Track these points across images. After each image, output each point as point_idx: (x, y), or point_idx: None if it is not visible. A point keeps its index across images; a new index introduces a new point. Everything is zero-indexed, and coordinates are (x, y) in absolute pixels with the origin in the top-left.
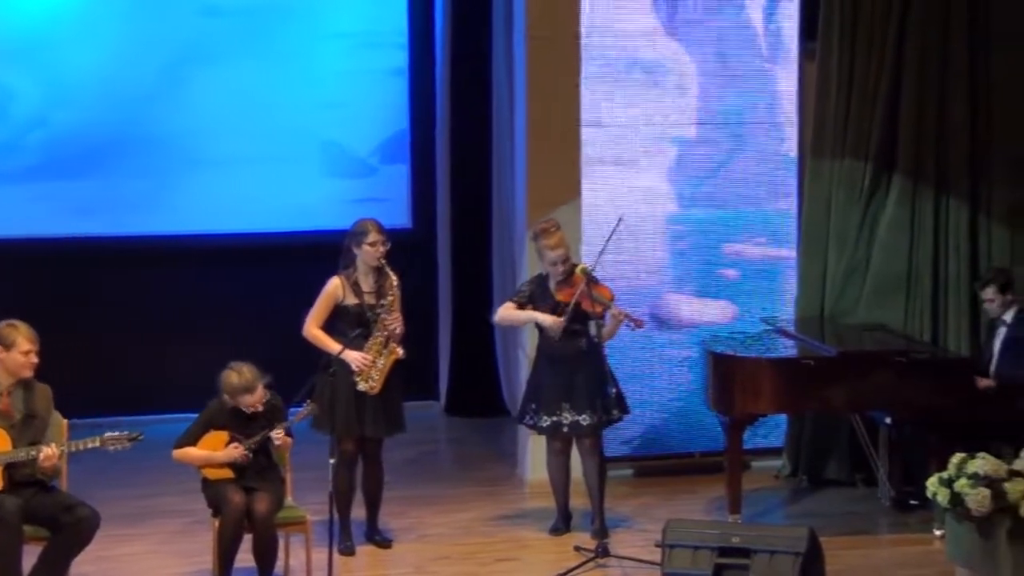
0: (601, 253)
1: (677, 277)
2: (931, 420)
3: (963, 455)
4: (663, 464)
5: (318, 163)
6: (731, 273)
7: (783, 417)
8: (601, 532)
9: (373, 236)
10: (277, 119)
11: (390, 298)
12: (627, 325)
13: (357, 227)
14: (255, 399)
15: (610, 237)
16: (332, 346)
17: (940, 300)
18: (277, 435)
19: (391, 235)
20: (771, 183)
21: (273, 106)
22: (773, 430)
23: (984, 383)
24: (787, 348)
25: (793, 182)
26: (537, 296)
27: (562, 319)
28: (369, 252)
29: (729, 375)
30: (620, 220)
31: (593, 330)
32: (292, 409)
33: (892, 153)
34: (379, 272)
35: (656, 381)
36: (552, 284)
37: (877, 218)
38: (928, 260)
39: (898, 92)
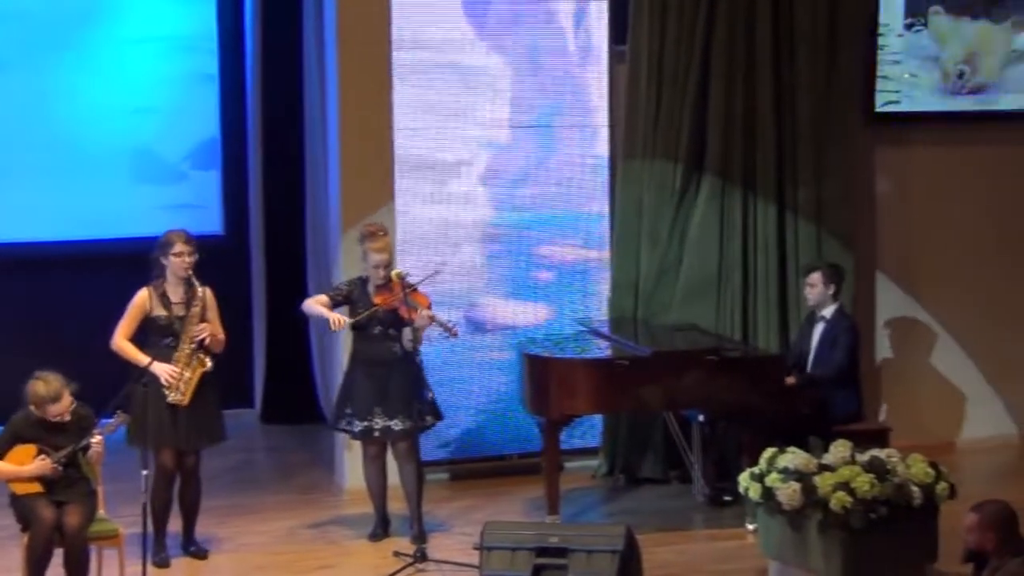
0: (420, 283)
1: (492, 280)
2: (743, 417)
3: (774, 450)
4: (480, 467)
5: (128, 170)
6: (546, 275)
7: (599, 417)
8: (419, 537)
9: (179, 247)
10: (86, 125)
11: (195, 309)
12: (442, 333)
13: (164, 238)
14: (62, 408)
15: (425, 279)
16: (140, 358)
17: (750, 298)
18: (95, 440)
19: (203, 242)
20: (584, 185)
21: (81, 112)
22: (589, 430)
23: (791, 380)
24: (601, 349)
25: (605, 184)
26: (355, 297)
27: (345, 321)
28: (176, 263)
29: (545, 377)
30: (437, 271)
31: (408, 336)
32: (103, 420)
33: (701, 153)
34: (188, 283)
35: (472, 384)
36: (371, 287)
37: (688, 218)
38: (737, 259)
39: (706, 92)
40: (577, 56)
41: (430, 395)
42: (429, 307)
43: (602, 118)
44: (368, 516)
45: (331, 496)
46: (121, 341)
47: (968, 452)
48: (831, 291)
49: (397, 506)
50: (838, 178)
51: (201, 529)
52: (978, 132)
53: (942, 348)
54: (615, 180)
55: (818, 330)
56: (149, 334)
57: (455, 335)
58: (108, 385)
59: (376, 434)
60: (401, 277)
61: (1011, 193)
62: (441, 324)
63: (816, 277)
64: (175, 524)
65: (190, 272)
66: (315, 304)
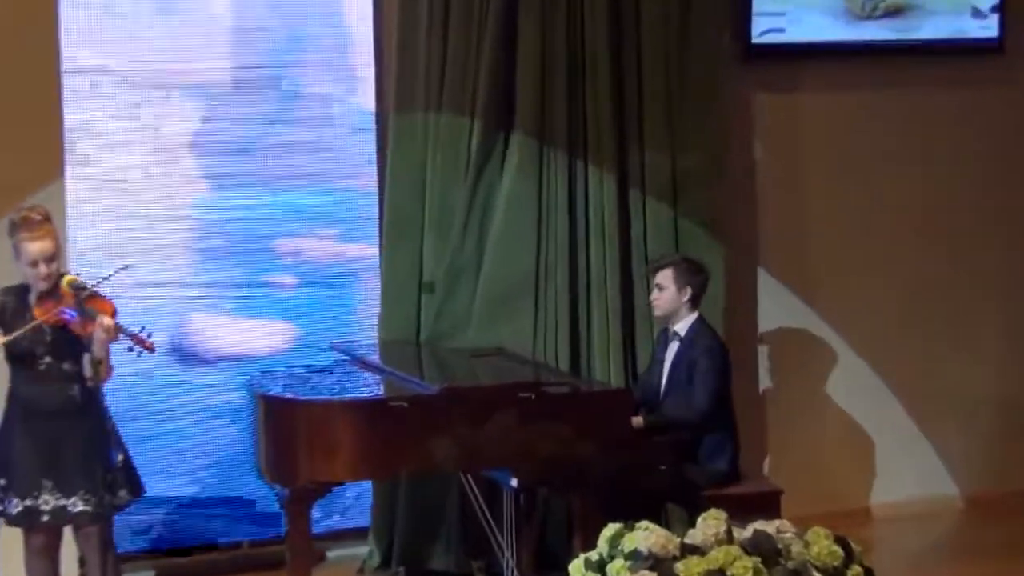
0: (98, 284)
1: (208, 289)
2: (573, 478)
3: (617, 526)
4: (199, 561)
5: None
6: (287, 281)
7: (368, 486)
8: None
9: None
10: None
11: None
12: (131, 349)
13: None
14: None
15: (105, 278)
16: None
17: (581, 309)
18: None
19: None
20: (342, 151)
21: None
22: (355, 505)
23: (638, 421)
24: (369, 385)
25: (373, 150)
26: (11, 311)
27: None
28: None
29: (288, 428)
30: (126, 266)
31: (88, 370)
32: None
33: (508, 105)
34: None
35: (183, 440)
36: (33, 298)
37: (491, 197)
38: (563, 253)
39: (513, 24)
40: None
41: (122, 457)
42: (114, 314)
43: (366, 55)
44: None
45: None
46: None
47: (889, 521)
48: (686, 297)
49: None
50: (702, 139)
51: None
52: (894, 71)
53: (850, 375)
54: (384, 143)
55: (671, 353)
56: None
57: (151, 349)
58: None
59: (45, 518)
60: (75, 285)
61: (941, 154)
62: (130, 336)
63: (666, 276)
64: None
65: None
66: None
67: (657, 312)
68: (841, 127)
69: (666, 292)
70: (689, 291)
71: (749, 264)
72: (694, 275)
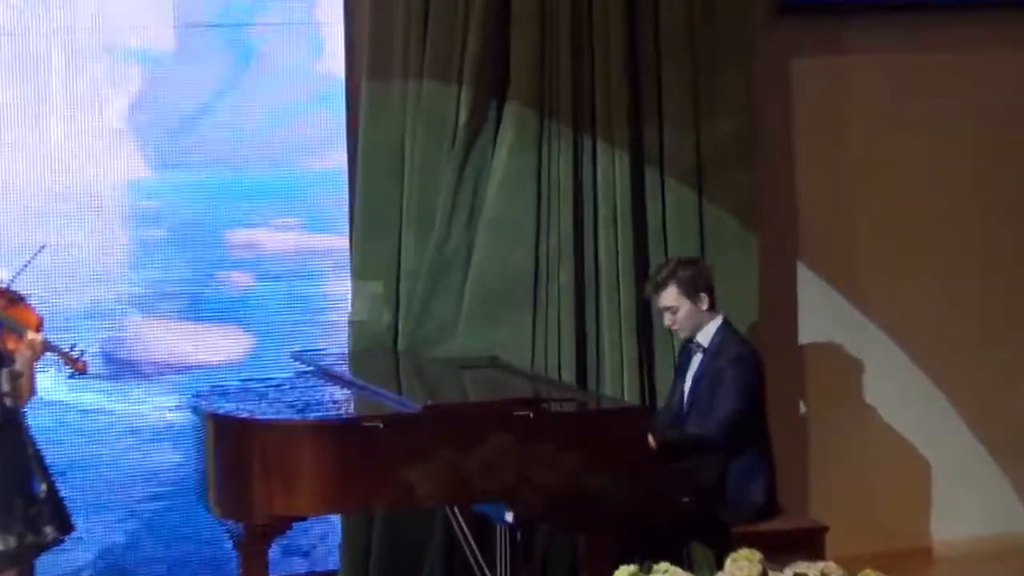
0: (16, 276)
1: (148, 288)
2: (579, 513)
3: (632, 568)
4: None
5: None
6: (241, 278)
7: (336, 522)
8: None
9: None
10: None
11: None
12: (62, 368)
13: None
14: None
15: (24, 267)
16: None
17: (589, 311)
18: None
19: None
20: (306, 125)
21: None
22: (319, 545)
23: (653, 442)
24: (338, 402)
25: (341, 123)
26: None
27: None
28: None
29: (242, 453)
30: (41, 248)
31: (6, 385)
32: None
33: (502, 71)
34: None
35: (118, 468)
36: None
37: (482, 178)
38: (567, 245)
39: None
40: None
41: (45, 487)
42: (40, 328)
43: (334, 11)
44: None
45: None
46: None
47: (952, 562)
48: (704, 305)
49: None
50: (732, 109)
51: None
52: (957, 28)
53: (907, 391)
54: (357, 115)
55: (694, 366)
56: None
57: (83, 370)
58: None
59: None
60: None
61: (1015, 122)
62: (60, 354)
63: (671, 296)
64: None
65: None
66: None
67: (682, 335)
68: (894, 95)
69: (681, 311)
70: (705, 297)
71: (787, 259)
72: (700, 277)
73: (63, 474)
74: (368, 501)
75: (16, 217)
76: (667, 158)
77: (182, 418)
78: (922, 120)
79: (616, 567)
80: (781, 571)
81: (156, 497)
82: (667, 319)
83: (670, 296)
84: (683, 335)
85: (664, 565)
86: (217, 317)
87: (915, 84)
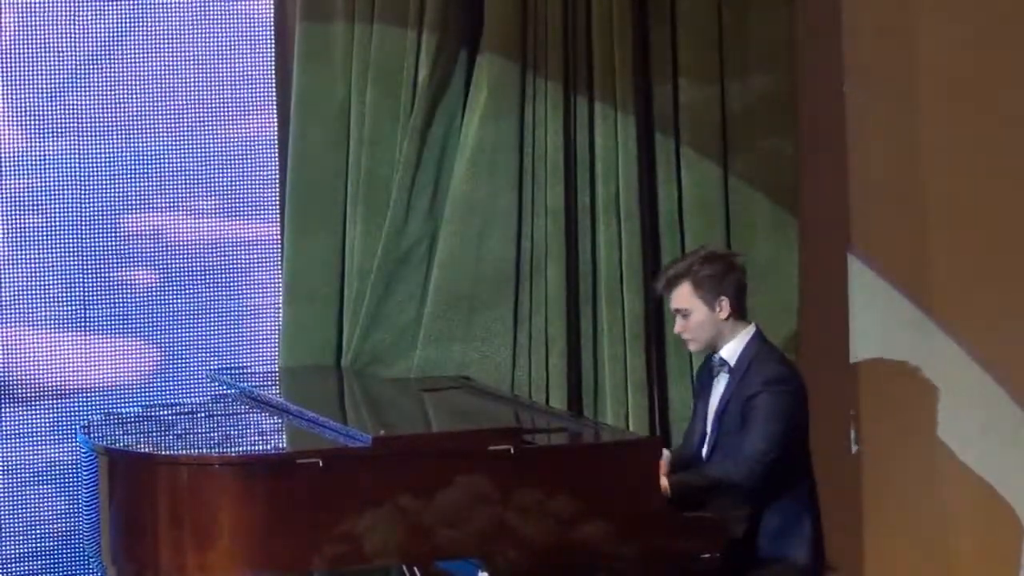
0: None
1: (32, 294)
2: (572, 573)
3: None
4: None
5: None
6: (142, 278)
7: None
8: None
9: None
10: None
11: None
12: None
13: None
14: None
15: None
16: None
17: (585, 318)
18: None
19: None
20: (226, 80)
21: None
22: None
23: (665, 482)
24: (265, 434)
25: (269, 76)
26: None
27: None
28: None
29: (143, 497)
30: None
31: None
32: None
33: (474, 11)
34: None
35: None
36: None
37: (449, 149)
38: (557, 235)
39: None
40: None
41: None
42: None
43: None
44: None
45: None
46: None
47: None
48: (724, 312)
49: None
50: (767, 58)
51: None
52: None
53: (987, 419)
54: (290, 70)
55: (719, 389)
56: None
57: None
58: None
59: None
60: None
61: None
62: None
63: (684, 295)
64: None
65: None
66: None
67: (693, 348)
68: (967, 45)
69: (693, 317)
70: (727, 303)
71: (836, 249)
72: (725, 276)
73: None
74: (304, 560)
75: None
76: (683, 123)
77: (67, 454)
78: (1019, 75)
79: None
80: None
81: (36, 553)
82: (677, 324)
83: (682, 296)
84: (694, 348)
85: None
86: (112, 326)
87: (1010, 29)
